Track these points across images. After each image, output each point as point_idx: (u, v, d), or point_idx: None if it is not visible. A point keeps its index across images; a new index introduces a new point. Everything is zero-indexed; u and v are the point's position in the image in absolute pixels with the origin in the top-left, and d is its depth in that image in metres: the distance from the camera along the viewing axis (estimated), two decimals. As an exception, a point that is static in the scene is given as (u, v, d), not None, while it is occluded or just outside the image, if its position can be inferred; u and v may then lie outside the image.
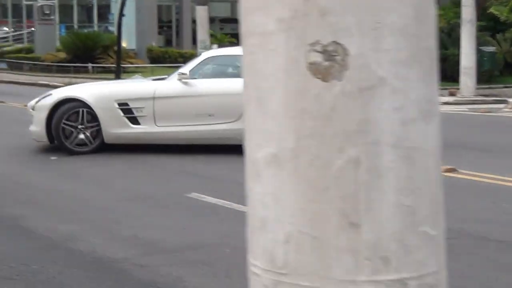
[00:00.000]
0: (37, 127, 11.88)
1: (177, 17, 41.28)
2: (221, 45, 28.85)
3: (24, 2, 45.07)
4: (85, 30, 35.62)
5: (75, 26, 40.41)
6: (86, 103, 11.66)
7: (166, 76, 12.51)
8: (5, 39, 45.23)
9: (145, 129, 11.54)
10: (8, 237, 7.48)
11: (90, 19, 41.56)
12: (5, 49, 40.90)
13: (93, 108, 11.59)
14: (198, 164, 10.95)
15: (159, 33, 39.80)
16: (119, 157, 11.44)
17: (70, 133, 11.70)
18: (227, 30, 40.48)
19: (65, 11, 42.48)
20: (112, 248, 6.98)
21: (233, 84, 11.22)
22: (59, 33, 38.82)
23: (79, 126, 11.68)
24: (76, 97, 11.83)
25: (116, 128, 11.56)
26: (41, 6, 35.76)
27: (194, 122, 11.36)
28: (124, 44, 34.69)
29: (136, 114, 11.56)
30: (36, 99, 12.28)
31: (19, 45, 42.67)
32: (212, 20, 32.59)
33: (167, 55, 34.05)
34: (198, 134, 11.44)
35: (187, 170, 10.64)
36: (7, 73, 34.00)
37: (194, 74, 11.61)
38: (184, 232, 7.52)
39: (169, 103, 11.51)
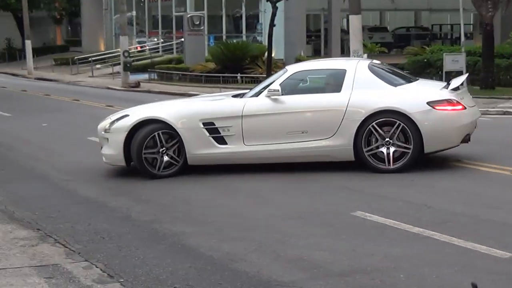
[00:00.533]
0: (113, 150, 11.22)
1: (325, 26, 40.90)
2: (370, 54, 28.25)
3: (174, 14, 45.99)
4: (233, 41, 35.74)
5: (224, 37, 40.74)
6: (168, 124, 10.97)
7: (246, 92, 11.76)
8: (156, 50, 46.26)
9: (233, 149, 10.92)
10: (171, 256, 7.25)
11: (238, 29, 41.81)
12: (155, 59, 41.78)
13: (176, 129, 10.92)
14: (356, 179, 10.45)
15: (307, 43, 39.55)
16: (272, 172, 11.06)
17: (153, 159, 11.05)
18: (376, 39, 39.86)
19: (214, 21, 42.98)
20: (278, 271, 6.61)
21: (326, 99, 10.94)
22: (208, 44, 39.24)
23: (161, 150, 10.99)
24: (157, 118, 11.08)
25: (201, 149, 10.92)
26: (191, 17, 36.23)
27: (285, 140, 10.81)
28: (272, 54, 34.66)
29: (223, 133, 10.92)
30: (109, 120, 11.52)
31: (169, 56, 43.54)
32: (361, 29, 31.91)
33: (315, 65, 33.59)
34: (290, 153, 10.86)
35: (347, 185, 10.16)
36: (157, 83, 34.63)
37: (282, 90, 10.95)
38: (353, 254, 7.04)
39: (258, 121, 10.89)
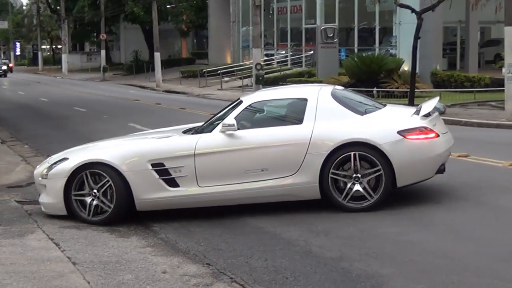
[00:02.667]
0: (52, 198, 10.00)
1: (462, 39, 39.07)
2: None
3: (304, 26, 45.10)
4: (365, 54, 34.48)
5: (355, 50, 39.54)
6: (112, 167, 9.68)
7: (197, 125, 10.67)
8: (284, 63, 45.48)
9: (186, 192, 9.72)
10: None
11: (370, 42, 40.49)
12: (287, 72, 40.99)
13: (121, 172, 9.66)
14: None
15: (442, 56, 37.85)
16: (465, 200, 9.81)
17: (82, 203, 9.87)
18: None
19: (345, 34, 41.83)
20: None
21: (286, 132, 9.74)
22: (339, 57, 38.12)
23: (92, 192, 9.79)
24: (99, 160, 9.80)
25: (150, 193, 9.72)
26: (325, 29, 35.25)
27: (244, 179, 9.62)
28: (405, 67, 33.23)
29: (174, 174, 9.71)
30: (46, 165, 10.34)
31: (298, 69, 42.69)
32: None
33: (452, 79, 32.07)
34: (250, 193, 9.66)
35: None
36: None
37: (237, 123, 9.77)
38: None
39: (213, 160, 9.71)
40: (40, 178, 10.23)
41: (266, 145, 9.64)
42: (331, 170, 9.38)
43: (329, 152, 9.37)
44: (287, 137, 9.63)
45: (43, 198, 10.17)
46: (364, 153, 9.37)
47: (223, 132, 9.72)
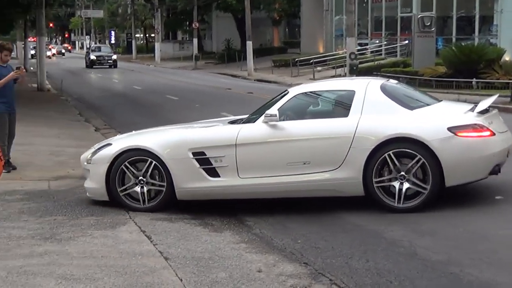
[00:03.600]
0: (95, 183, 9.92)
1: None
2: None
3: (399, 15, 44.12)
4: (463, 43, 33.38)
5: (453, 39, 38.38)
6: (153, 154, 9.57)
7: (243, 117, 10.29)
8: (378, 53, 44.63)
9: (226, 182, 9.44)
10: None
11: (468, 31, 39.25)
12: (381, 62, 40.19)
13: (162, 159, 9.52)
14: None
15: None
16: None
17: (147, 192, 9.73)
18: None
19: (442, 23, 40.69)
20: None
21: (331, 125, 9.31)
22: (436, 46, 37.06)
23: (140, 178, 9.68)
24: (141, 147, 9.71)
25: (190, 182, 9.50)
26: (422, 18, 34.22)
27: (285, 172, 9.25)
28: (506, 57, 32.06)
29: (215, 164, 9.44)
30: (92, 150, 10.29)
31: (392, 59, 41.79)
32: None
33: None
34: (290, 187, 9.29)
35: None
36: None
37: (281, 115, 9.43)
38: None
39: (254, 151, 9.37)
40: (85, 163, 10.18)
41: (309, 137, 9.27)
42: (376, 165, 8.98)
43: (373, 147, 8.94)
44: (331, 130, 9.23)
45: (88, 183, 10.13)
46: (409, 150, 8.90)
47: (265, 122, 9.41)
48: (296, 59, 45.54)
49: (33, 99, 28.10)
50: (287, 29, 75.07)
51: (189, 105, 26.63)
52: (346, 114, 9.28)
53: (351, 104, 9.30)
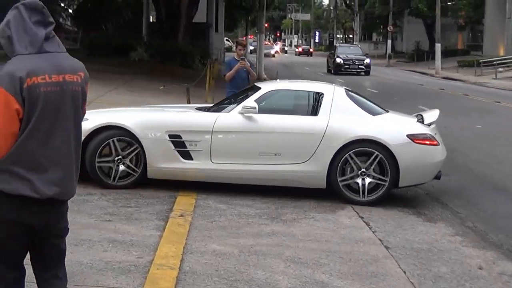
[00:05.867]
0: None
1: None
2: None
3: None
4: None
5: None
6: (131, 133, 8.37)
7: (208, 106, 9.66)
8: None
9: (198, 165, 8.39)
10: None
11: None
12: None
13: (139, 139, 8.35)
14: None
15: None
16: None
17: (109, 169, 8.43)
18: None
19: None
20: None
21: (303, 122, 8.56)
22: None
23: (116, 158, 8.39)
24: (118, 124, 8.44)
25: (164, 162, 8.37)
26: None
27: (256, 161, 8.39)
28: None
29: (189, 148, 8.42)
30: None
31: None
32: None
33: None
34: (260, 175, 8.42)
35: None
36: None
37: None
38: None
39: (229, 139, 8.49)
40: None
41: (282, 130, 8.41)
42: (340, 162, 8.33)
43: (341, 146, 8.30)
44: (303, 126, 8.49)
45: None
46: (370, 149, 8.35)
47: (242, 113, 8.48)
48: (480, 61, 42.79)
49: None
50: (470, 34, 71.26)
51: (388, 98, 25.20)
52: (316, 113, 8.64)
53: (320, 105, 8.66)
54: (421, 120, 8.85)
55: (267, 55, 59.92)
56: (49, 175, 3.26)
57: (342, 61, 42.70)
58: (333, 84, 9.64)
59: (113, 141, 8.41)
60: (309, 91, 9.16)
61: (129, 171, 8.46)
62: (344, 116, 8.57)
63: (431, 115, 9.02)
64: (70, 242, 3.83)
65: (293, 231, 6.95)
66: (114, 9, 37.69)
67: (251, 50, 59.95)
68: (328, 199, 8.49)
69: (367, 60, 43.42)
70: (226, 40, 65.28)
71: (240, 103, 8.70)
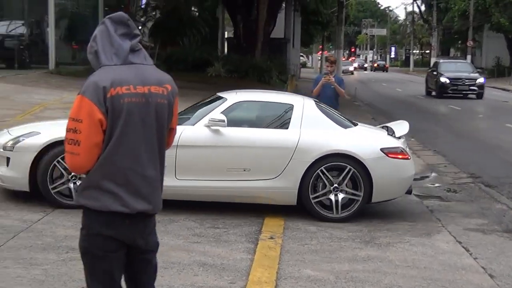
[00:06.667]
0: (16, 172, 7.83)
1: None
2: None
3: None
4: None
5: None
6: None
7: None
8: None
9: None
10: None
11: None
12: None
13: None
14: None
15: None
16: None
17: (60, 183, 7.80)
18: None
19: None
20: None
21: (273, 136, 8.03)
22: None
23: (70, 178, 7.78)
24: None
25: None
26: None
27: (224, 177, 7.83)
28: None
29: None
30: (9, 136, 8.09)
31: None
32: None
33: None
34: (228, 191, 7.89)
35: None
36: None
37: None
38: None
39: (195, 154, 7.83)
40: (1, 150, 8.02)
41: (251, 145, 7.85)
42: (312, 177, 7.90)
43: (313, 160, 7.84)
44: (273, 140, 7.98)
45: (3, 171, 7.97)
46: (342, 164, 7.95)
47: (208, 126, 7.89)
48: None
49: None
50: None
51: (472, 115, 24.54)
52: (286, 127, 8.15)
53: (290, 118, 8.16)
54: (391, 133, 8.54)
55: (345, 72, 59.06)
56: (137, 189, 3.20)
57: (448, 81, 33.16)
58: (302, 96, 9.14)
59: (58, 161, 7.71)
60: (278, 103, 8.63)
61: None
62: (315, 130, 8.10)
63: (401, 128, 8.72)
64: (160, 265, 3.67)
65: (389, 256, 6.63)
66: (190, 24, 38.06)
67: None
68: (421, 222, 8.12)
69: (481, 80, 33.68)
70: (301, 55, 65.11)
71: (205, 115, 8.10)
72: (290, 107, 8.32)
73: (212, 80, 26.79)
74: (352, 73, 73.47)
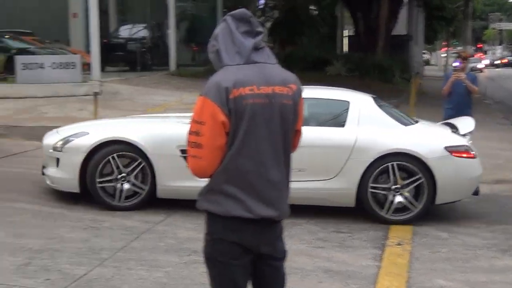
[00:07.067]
0: (66, 173, 7.80)
1: None
2: None
3: None
4: None
5: None
6: (137, 148, 7.59)
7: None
8: None
9: None
10: None
11: None
12: None
13: (147, 155, 7.57)
14: None
15: None
16: None
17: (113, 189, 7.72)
18: None
19: None
20: None
21: (327, 134, 7.61)
22: None
23: (119, 176, 7.69)
24: (123, 139, 7.66)
25: (176, 180, 7.52)
26: None
27: None
28: None
29: None
30: (58, 136, 8.08)
31: None
32: None
33: None
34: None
35: None
36: None
37: None
38: None
39: None
40: (51, 150, 7.98)
41: (306, 144, 6.75)
42: (371, 179, 7.46)
43: (373, 160, 7.41)
44: (328, 139, 7.60)
45: (53, 172, 7.97)
46: (408, 164, 7.45)
47: None
48: None
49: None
50: None
51: None
52: (342, 124, 7.72)
53: (347, 115, 7.76)
54: (455, 130, 8.05)
55: (474, 70, 57.12)
56: (261, 194, 3.06)
57: None
58: (359, 93, 8.62)
59: (113, 157, 7.70)
60: (333, 100, 8.09)
61: (135, 189, 7.75)
62: (373, 127, 7.64)
63: (466, 125, 8.26)
64: (284, 271, 3.51)
65: None
66: (309, 23, 38.00)
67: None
68: None
69: None
70: (423, 52, 63.55)
71: None
72: (346, 104, 7.94)
73: (332, 80, 26.54)
74: (481, 70, 70.57)
